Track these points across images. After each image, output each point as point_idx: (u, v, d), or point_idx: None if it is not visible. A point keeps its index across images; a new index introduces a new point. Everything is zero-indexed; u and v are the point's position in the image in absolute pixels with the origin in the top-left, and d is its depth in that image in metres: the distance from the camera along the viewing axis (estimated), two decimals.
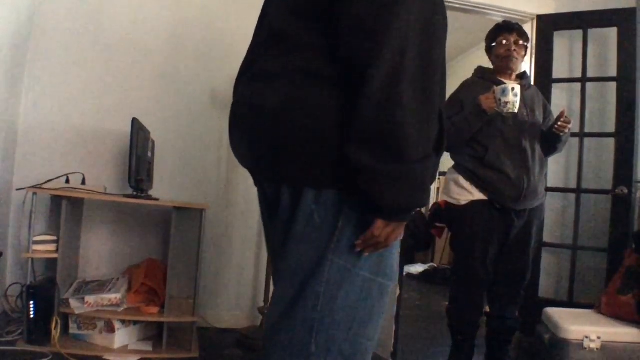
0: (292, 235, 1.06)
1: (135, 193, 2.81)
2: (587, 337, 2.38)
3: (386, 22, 0.92)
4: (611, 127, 3.65)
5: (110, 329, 2.71)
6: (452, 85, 2.94)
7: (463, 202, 2.64)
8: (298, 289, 1.05)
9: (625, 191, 3.51)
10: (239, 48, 3.31)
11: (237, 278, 3.47)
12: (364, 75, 0.93)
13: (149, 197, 2.85)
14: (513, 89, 2.46)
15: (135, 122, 2.71)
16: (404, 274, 6.05)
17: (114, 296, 2.77)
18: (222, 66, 3.40)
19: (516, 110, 2.49)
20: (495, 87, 2.52)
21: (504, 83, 2.57)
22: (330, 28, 0.99)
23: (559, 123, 2.61)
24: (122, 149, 3.19)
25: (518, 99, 2.46)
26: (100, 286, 2.89)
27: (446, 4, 3.78)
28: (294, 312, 1.05)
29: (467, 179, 2.64)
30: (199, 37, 3.41)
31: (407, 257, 6.44)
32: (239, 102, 1.17)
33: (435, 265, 6.25)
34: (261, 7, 1.26)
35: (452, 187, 2.72)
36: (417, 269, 6.24)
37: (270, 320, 1.11)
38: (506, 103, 2.45)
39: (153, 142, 3.13)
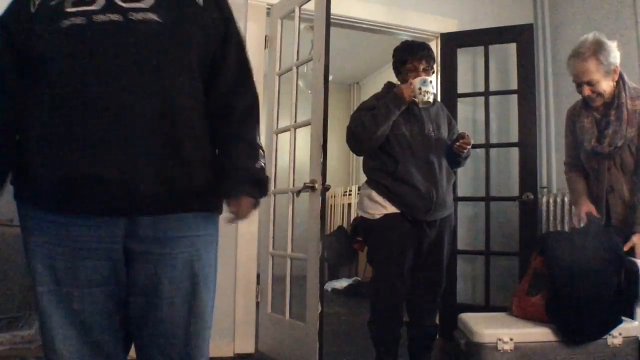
0: None
1: None
2: (500, 340, 2.43)
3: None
4: (515, 137, 3.84)
5: None
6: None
7: (377, 216, 2.70)
8: None
9: (531, 197, 3.70)
10: None
11: None
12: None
13: None
14: (431, 81, 2.67)
15: None
16: (330, 289, 6.09)
17: (28, 332, 2.64)
18: None
19: (431, 101, 2.66)
20: (413, 80, 2.66)
21: None
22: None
23: (458, 144, 2.74)
24: None
25: (433, 91, 2.67)
26: (12, 322, 2.74)
27: (355, 24, 3.82)
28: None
29: (380, 193, 2.70)
30: None
31: (332, 273, 6.49)
32: None
33: (360, 279, 6.30)
34: None
35: (365, 202, 2.78)
36: (342, 283, 6.26)
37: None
38: (426, 92, 2.62)
39: None
